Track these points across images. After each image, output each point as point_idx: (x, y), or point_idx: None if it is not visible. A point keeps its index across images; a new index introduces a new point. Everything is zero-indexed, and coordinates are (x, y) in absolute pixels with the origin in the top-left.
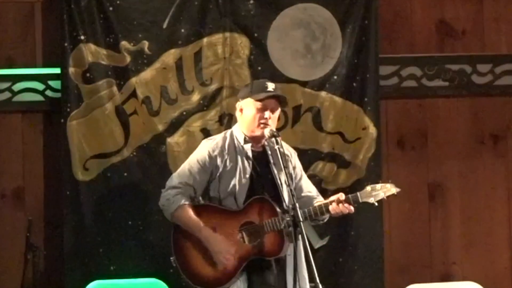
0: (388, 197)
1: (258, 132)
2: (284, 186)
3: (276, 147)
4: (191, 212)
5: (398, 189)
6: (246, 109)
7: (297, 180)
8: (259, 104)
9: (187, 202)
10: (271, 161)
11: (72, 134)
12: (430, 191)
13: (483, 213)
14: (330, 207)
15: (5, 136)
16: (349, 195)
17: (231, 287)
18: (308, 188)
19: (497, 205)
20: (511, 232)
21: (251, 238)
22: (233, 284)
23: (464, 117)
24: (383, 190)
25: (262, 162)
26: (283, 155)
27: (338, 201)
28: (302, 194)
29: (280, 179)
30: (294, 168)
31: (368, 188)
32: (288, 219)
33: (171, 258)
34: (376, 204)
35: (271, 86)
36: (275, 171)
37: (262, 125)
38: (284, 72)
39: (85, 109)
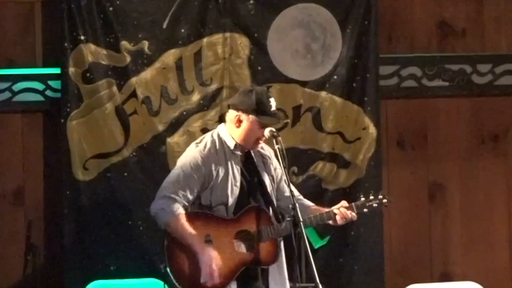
0: (379, 205)
1: (252, 148)
2: (269, 190)
3: (276, 147)
4: (185, 223)
5: (390, 199)
6: (248, 125)
7: (278, 180)
8: (262, 125)
9: (182, 212)
10: (282, 164)
11: (72, 134)
12: (430, 191)
13: (483, 213)
14: (337, 211)
15: (5, 136)
16: (346, 206)
17: None
18: (290, 187)
19: (497, 205)
20: (511, 232)
21: (247, 246)
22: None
23: (464, 117)
24: (375, 202)
25: (248, 166)
26: (283, 157)
27: (347, 208)
28: (286, 194)
29: (288, 184)
30: (275, 169)
31: (362, 198)
32: (287, 220)
33: (161, 265)
34: (369, 213)
35: (273, 103)
36: (264, 174)
37: (259, 143)
38: (284, 72)
39: (85, 109)
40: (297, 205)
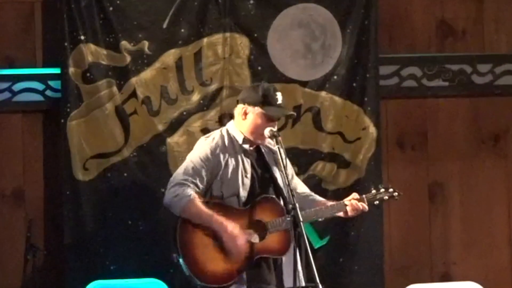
0: (390, 198)
1: (259, 140)
2: (281, 184)
3: (276, 146)
4: (202, 204)
5: (400, 193)
6: (254, 117)
7: (289, 178)
8: (268, 117)
9: (196, 196)
10: (267, 159)
11: (72, 134)
12: (430, 191)
13: (483, 213)
14: (348, 203)
15: (5, 136)
16: (357, 197)
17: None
18: (301, 184)
19: (497, 205)
20: (511, 232)
21: (259, 236)
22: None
23: (464, 117)
24: (386, 194)
25: (258, 161)
26: (284, 154)
27: (358, 200)
28: (298, 191)
29: (288, 184)
30: (285, 167)
31: (373, 191)
32: (288, 219)
33: (174, 255)
34: (377, 202)
35: (280, 97)
36: (274, 169)
37: (266, 137)
38: (284, 72)
39: (85, 109)
40: (297, 205)
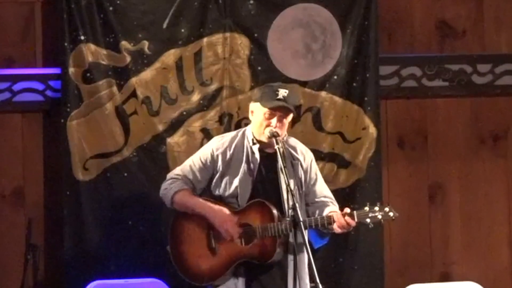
0: (385, 219)
1: (263, 138)
2: (295, 191)
3: (276, 147)
4: (190, 195)
5: (396, 214)
6: (255, 113)
7: (311, 184)
8: (267, 111)
9: (186, 187)
10: (281, 164)
11: (72, 134)
12: (430, 191)
13: (483, 213)
14: (336, 218)
15: (5, 136)
16: (346, 212)
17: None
18: (323, 193)
19: (497, 205)
20: (511, 232)
21: (245, 240)
22: (226, 281)
23: (464, 117)
24: (380, 213)
25: (272, 165)
26: (283, 155)
27: (344, 214)
28: (316, 199)
29: (287, 184)
30: (306, 172)
31: (366, 208)
32: (287, 220)
33: (167, 247)
34: (372, 225)
35: (282, 93)
36: (282, 175)
37: (268, 136)
38: (284, 72)
39: (85, 109)
40: (297, 205)
